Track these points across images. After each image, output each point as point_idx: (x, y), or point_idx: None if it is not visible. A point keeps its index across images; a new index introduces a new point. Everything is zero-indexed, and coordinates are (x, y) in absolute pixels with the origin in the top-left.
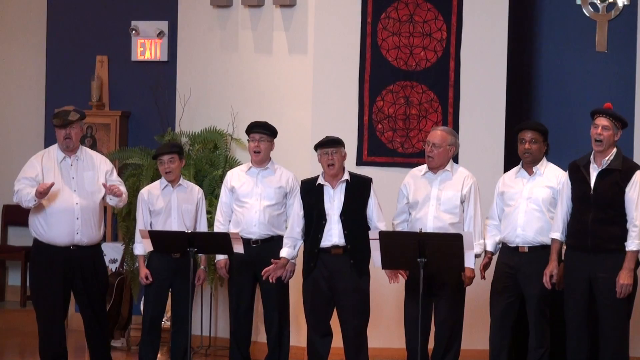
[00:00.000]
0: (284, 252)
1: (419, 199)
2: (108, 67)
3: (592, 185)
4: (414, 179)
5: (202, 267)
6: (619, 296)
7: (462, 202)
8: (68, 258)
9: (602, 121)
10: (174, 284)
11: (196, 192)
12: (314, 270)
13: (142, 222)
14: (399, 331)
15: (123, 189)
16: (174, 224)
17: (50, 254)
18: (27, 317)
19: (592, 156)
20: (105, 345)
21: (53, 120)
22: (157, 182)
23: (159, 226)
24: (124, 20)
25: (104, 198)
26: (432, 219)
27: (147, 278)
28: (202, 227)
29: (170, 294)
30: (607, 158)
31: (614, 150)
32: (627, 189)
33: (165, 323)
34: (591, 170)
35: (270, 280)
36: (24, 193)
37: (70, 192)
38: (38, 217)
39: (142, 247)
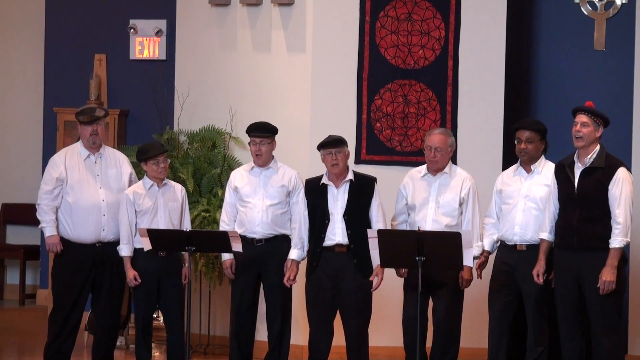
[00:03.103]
0: (294, 255)
1: (417, 201)
2: (106, 65)
3: (575, 184)
4: (413, 181)
5: (185, 264)
6: (602, 293)
7: (460, 204)
8: (94, 255)
9: (581, 118)
10: (162, 284)
11: (179, 190)
12: (317, 269)
13: (127, 222)
14: (398, 330)
15: None
16: (161, 223)
17: (77, 252)
18: (25, 316)
19: (575, 155)
20: (111, 346)
21: (79, 117)
22: (140, 183)
23: (144, 226)
24: (122, 18)
25: None
26: (430, 222)
27: (135, 279)
28: (187, 224)
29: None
30: (589, 156)
31: (597, 147)
32: (610, 187)
33: (162, 322)
34: (575, 169)
35: (289, 284)
36: (42, 218)
37: (97, 188)
38: (64, 214)
39: (128, 248)
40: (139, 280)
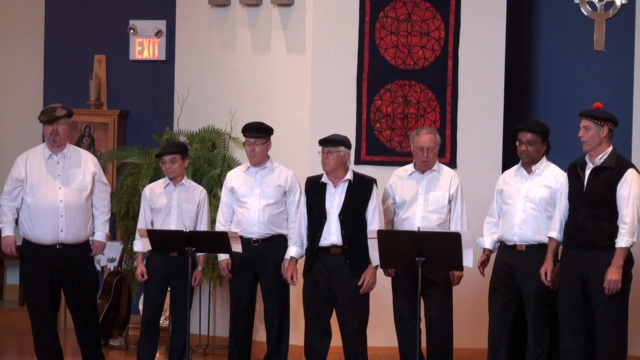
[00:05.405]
0: (293, 252)
1: (406, 198)
2: (106, 66)
3: (585, 183)
4: (400, 179)
5: (199, 268)
6: (608, 292)
7: (449, 201)
8: (54, 257)
9: (582, 123)
10: (172, 283)
11: (199, 192)
12: (312, 268)
13: (143, 220)
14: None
15: (107, 202)
16: (173, 223)
17: (37, 253)
18: (25, 316)
19: (587, 155)
20: (96, 344)
21: (40, 117)
22: (161, 180)
23: (158, 224)
24: (122, 19)
25: (91, 192)
26: (419, 219)
27: (142, 275)
28: (203, 228)
29: (169, 293)
30: (600, 156)
31: (609, 148)
32: (619, 187)
33: (164, 322)
34: (586, 169)
35: (291, 282)
36: (0, 219)
37: (55, 189)
38: (24, 215)
39: (141, 244)
40: (146, 277)
